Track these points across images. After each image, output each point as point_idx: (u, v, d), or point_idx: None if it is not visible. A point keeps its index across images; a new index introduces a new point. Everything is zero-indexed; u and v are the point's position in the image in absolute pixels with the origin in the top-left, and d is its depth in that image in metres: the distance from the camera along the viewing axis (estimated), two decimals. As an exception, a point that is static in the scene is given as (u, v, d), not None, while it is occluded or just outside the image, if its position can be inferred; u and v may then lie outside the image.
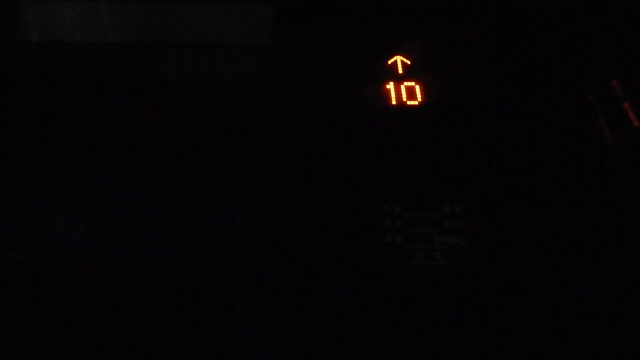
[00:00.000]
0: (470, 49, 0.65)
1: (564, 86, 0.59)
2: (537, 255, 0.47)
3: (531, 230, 0.48)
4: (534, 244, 0.47)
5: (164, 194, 0.55)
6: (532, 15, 0.66)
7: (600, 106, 0.55)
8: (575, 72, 0.59)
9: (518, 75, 0.61)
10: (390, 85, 0.61)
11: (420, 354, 0.42)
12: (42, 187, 0.56)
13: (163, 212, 0.53)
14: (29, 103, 0.64)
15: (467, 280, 0.45)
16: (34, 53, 0.71)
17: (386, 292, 0.45)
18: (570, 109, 0.57)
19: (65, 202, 0.54)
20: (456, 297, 0.45)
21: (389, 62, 0.64)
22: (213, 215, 0.53)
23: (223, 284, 0.48)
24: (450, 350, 0.42)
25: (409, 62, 0.63)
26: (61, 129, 0.60)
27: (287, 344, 0.43)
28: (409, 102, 0.60)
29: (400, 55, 0.64)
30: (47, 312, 0.47)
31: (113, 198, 0.54)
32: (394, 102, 0.60)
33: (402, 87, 0.61)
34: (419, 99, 0.60)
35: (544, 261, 0.46)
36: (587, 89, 0.57)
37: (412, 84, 0.61)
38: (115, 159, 0.57)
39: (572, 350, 0.42)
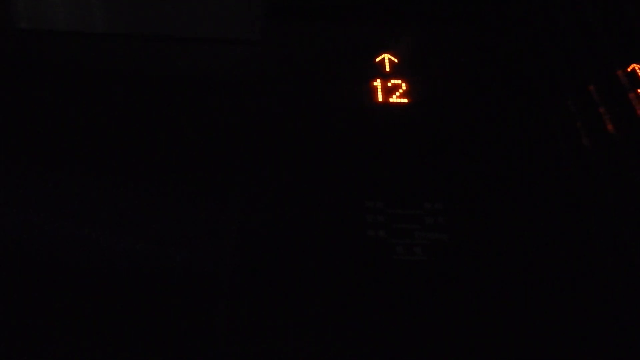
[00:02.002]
0: (456, 50, 0.66)
1: (544, 90, 0.60)
2: (514, 251, 0.48)
3: (508, 227, 0.50)
4: (511, 241, 0.49)
5: (150, 188, 0.55)
6: (515, 21, 0.67)
7: (577, 110, 0.57)
8: (554, 77, 0.60)
9: (500, 79, 0.62)
10: (377, 83, 0.62)
11: (401, 347, 0.43)
12: (24, 178, 0.56)
13: (149, 206, 0.54)
14: (15, 90, 0.63)
15: (447, 275, 0.47)
16: (22, 40, 0.71)
17: (368, 285, 0.46)
18: (549, 112, 0.58)
19: (47, 193, 0.54)
20: (436, 291, 0.46)
21: (377, 59, 0.65)
22: (199, 209, 0.53)
23: (207, 277, 0.49)
24: (430, 342, 0.43)
25: (396, 60, 0.64)
26: (46, 118, 0.60)
27: (269, 336, 0.43)
28: (395, 100, 0.61)
29: (388, 53, 0.65)
30: (32, 303, 0.47)
31: (97, 191, 0.54)
32: (380, 100, 0.60)
33: (389, 84, 0.62)
34: (405, 97, 0.61)
35: (521, 256, 0.48)
36: (565, 94, 0.58)
37: (399, 81, 0.62)
38: (100, 151, 0.57)
39: (551, 342, 0.43)
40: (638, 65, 0.60)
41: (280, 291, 0.46)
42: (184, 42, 0.69)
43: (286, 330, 0.44)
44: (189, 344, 0.45)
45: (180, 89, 0.64)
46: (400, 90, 0.61)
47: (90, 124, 0.60)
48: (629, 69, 0.60)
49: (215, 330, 0.45)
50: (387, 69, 0.64)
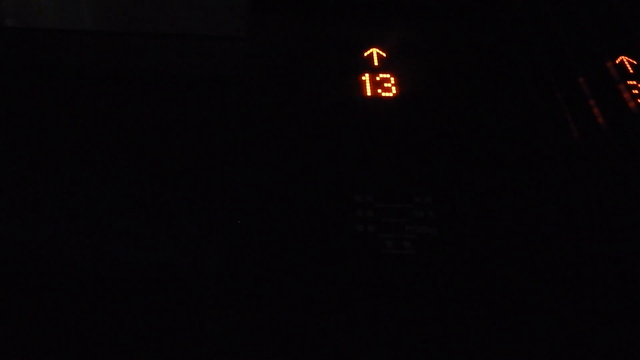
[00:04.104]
0: (444, 44, 0.66)
1: (533, 83, 0.60)
2: (503, 244, 0.48)
3: (498, 220, 0.49)
4: (501, 234, 0.49)
5: (136, 185, 0.55)
6: (503, 14, 0.67)
7: (566, 102, 0.57)
8: (543, 70, 0.60)
9: (489, 71, 0.62)
10: (366, 77, 0.62)
11: (389, 341, 0.43)
12: (6, 176, 0.55)
13: (134, 203, 0.53)
14: (2, 88, 0.63)
15: (436, 269, 0.46)
16: (8, 39, 0.70)
17: (357, 280, 0.46)
18: (538, 104, 0.58)
19: (30, 191, 0.54)
20: (425, 285, 0.46)
21: (365, 54, 0.64)
22: (185, 206, 0.53)
23: (195, 275, 0.48)
24: (419, 336, 0.43)
25: (384, 55, 0.64)
26: (34, 116, 0.60)
27: (258, 334, 0.43)
28: (383, 94, 0.60)
29: (376, 47, 0.65)
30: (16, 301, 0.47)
31: (82, 190, 0.54)
32: (369, 94, 0.60)
33: (378, 78, 0.62)
34: (394, 91, 0.61)
35: (510, 250, 0.48)
36: (554, 86, 0.58)
37: (387, 76, 0.62)
38: (85, 149, 0.57)
39: (540, 336, 0.43)
40: (626, 57, 0.60)
41: (269, 288, 0.45)
42: (170, 38, 0.69)
43: (275, 328, 0.43)
44: (176, 343, 0.45)
45: (166, 86, 0.64)
46: (389, 85, 0.61)
47: (75, 121, 0.60)
48: (617, 61, 0.60)
49: (203, 329, 0.44)
50: (376, 64, 0.64)
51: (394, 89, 0.61)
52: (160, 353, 0.45)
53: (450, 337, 0.43)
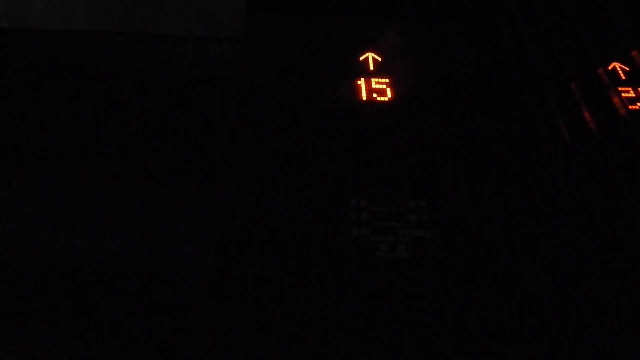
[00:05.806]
0: (439, 50, 0.66)
1: (527, 88, 0.60)
2: (497, 249, 0.48)
3: (491, 224, 0.50)
4: (494, 238, 0.49)
5: (133, 184, 0.55)
6: (499, 20, 0.68)
7: (560, 107, 0.57)
8: (537, 75, 0.61)
9: (483, 77, 0.62)
10: (361, 81, 0.62)
11: (383, 343, 0.43)
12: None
13: (133, 202, 0.53)
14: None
15: (429, 272, 0.47)
16: (3, 39, 0.70)
17: (351, 283, 0.46)
18: (532, 109, 0.58)
19: (19, 191, 0.54)
20: (419, 289, 0.46)
21: (361, 58, 0.65)
22: (181, 208, 0.53)
23: (189, 277, 0.48)
24: (412, 339, 0.43)
25: (380, 59, 0.65)
26: (27, 117, 0.60)
27: (252, 335, 0.43)
28: (378, 98, 0.61)
29: (371, 51, 0.65)
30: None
31: (79, 188, 0.54)
32: (364, 98, 0.61)
33: (373, 83, 0.62)
34: (389, 95, 0.61)
35: (503, 254, 0.48)
36: (548, 91, 0.59)
37: (383, 80, 0.62)
38: (83, 149, 0.57)
39: (531, 338, 0.43)
40: (619, 64, 0.61)
41: (263, 290, 0.45)
42: (167, 39, 0.69)
43: (269, 329, 0.43)
44: (171, 343, 0.45)
45: (163, 87, 0.64)
46: (384, 89, 0.61)
47: (72, 122, 0.60)
48: (610, 67, 0.60)
49: (198, 329, 0.44)
50: (371, 68, 0.64)
51: (389, 93, 0.61)
52: (155, 352, 0.45)
53: (443, 339, 0.43)
